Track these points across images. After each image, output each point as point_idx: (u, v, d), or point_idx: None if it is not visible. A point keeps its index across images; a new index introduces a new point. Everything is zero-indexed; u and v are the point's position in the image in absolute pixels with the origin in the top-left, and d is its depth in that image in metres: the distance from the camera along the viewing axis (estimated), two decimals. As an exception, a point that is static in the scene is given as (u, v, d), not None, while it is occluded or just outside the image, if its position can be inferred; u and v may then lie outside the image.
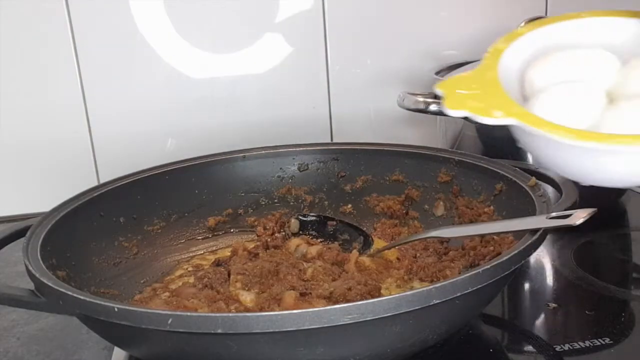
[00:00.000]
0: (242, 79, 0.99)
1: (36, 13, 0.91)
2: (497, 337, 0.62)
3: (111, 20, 0.93)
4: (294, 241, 0.71)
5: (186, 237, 0.76)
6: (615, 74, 0.45)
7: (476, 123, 0.44)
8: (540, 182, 0.64)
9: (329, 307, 0.44)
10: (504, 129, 0.46)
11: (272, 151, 0.81)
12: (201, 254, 0.76)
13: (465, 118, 0.45)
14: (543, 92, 0.45)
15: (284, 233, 0.76)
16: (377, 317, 0.44)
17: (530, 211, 0.60)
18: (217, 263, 0.70)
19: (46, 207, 0.65)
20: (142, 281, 0.69)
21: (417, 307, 0.45)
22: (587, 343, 0.57)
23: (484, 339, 0.61)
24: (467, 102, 0.43)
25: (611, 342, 0.57)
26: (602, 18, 0.47)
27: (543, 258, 0.74)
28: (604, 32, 0.47)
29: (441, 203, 0.75)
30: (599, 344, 0.57)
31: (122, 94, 0.96)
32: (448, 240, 0.70)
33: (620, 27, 0.46)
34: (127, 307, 0.46)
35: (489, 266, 0.48)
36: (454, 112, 0.43)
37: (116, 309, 0.46)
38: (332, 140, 1.03)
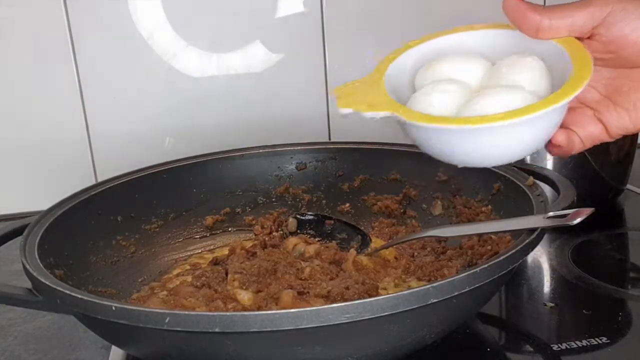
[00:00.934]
0: (240, 78, 0.99)
1: (34, 12, 0.90)
2: (494, 336, 0.62)
3: (109, 18, 0.93)
4: (292, 240, 0.71)
5: (184, 236, 0.76)
6: (484, 72, 0.51)
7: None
8: (537, 182, 0.64)
9: (326, 306, 0.44)
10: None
11: (270, 150, 0.81)
12: (199, 253, 0.76)
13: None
14: (419, 89, 0.51)
15: (281, 232, 0.76)
16: (374, 316, 0.44)
17: (527, 211, 0.60)
18: (215, 262, 0.70)
19: (44, 205, 0.65)
20: (139, 280, 0.69)
21: (414, 306, 0.45)
22: (585, 342, 0.57)
23: (482, 338, 0.61)
24: (354, 102, 0.50)
25: (608, 341, 0.57)
26: (478, 31, 0.54)
27: (540, 257, 0.74)
28: (480, 42, 0.53)
29: (439, 202, 0.75)
30: (596, 343, 0.57)
31: (120, 93, 0.96)
32: (446, 239, 0.70)
33: (492, 37, 0.53)
34: (124, 306, 0.46)
35: (486, 265, 0.48)
36: (343, 110, 0.49)
37: (114, 308, 0.46)
38: (330, 139, 1.03)
